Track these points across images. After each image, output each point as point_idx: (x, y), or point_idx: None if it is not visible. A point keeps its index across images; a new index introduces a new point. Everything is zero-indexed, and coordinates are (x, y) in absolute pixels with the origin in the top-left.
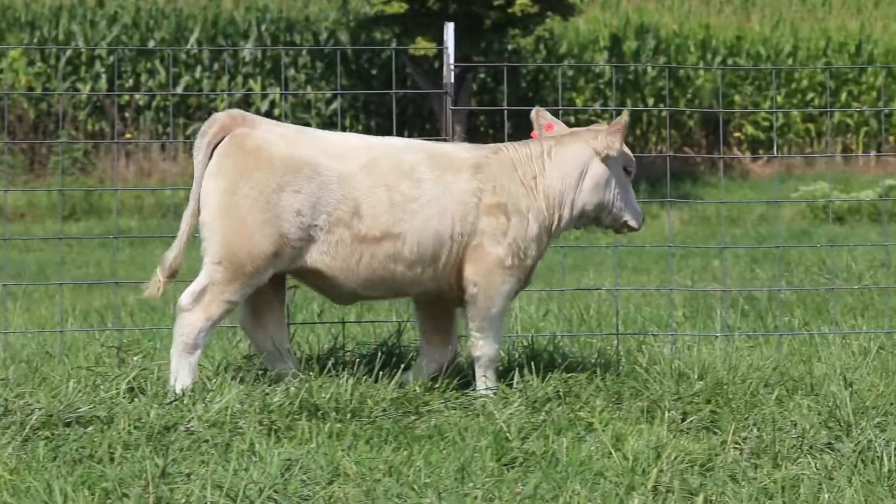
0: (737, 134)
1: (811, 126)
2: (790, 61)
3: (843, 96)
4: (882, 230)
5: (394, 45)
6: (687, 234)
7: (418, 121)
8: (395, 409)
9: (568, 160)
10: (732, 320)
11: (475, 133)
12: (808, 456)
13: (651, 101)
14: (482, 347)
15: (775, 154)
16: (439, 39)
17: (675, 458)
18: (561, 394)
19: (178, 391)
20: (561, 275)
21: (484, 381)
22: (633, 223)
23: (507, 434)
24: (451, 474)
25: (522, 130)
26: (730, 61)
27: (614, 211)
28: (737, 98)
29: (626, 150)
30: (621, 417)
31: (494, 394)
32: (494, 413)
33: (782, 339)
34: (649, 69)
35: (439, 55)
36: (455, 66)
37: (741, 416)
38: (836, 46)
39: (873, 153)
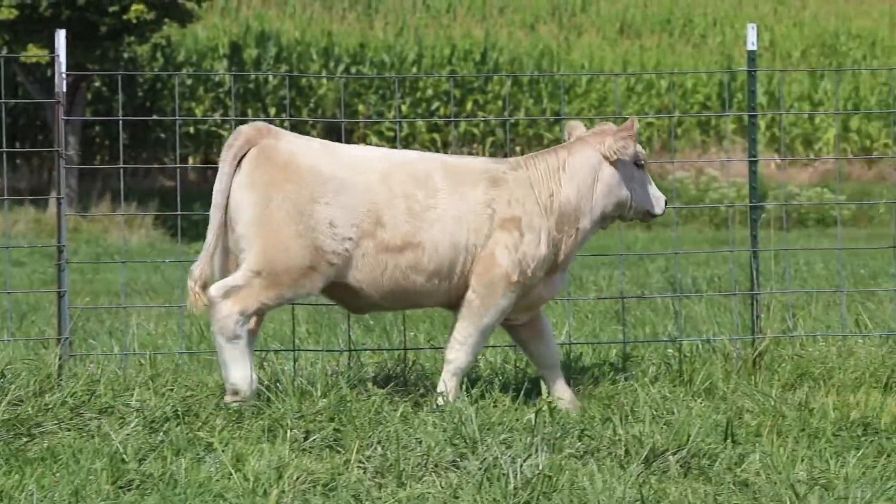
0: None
1: (437, 136)
2: (415, 69)
3: (469, 105)
4: None
5: (3, 52)
6: None
7: (31, 132)
8: (6, 431)
9: (580, 170)
10: (357, 335)
11: (89, 145)
12: (433, 474)
13: (273, 110)
14: (458, 353)
15: None
16: (52, 46)
17: (298, 479)
18: (180, 413)
19: (236, 382)
20: (179, 289)
21: (444, 385)
22: (655, 211)
23: (124, 455)
24: (66, 498)
25: (138, 140)
26: (353, 69)
27: (634, 205)
28: (361, 107)
29: (638, 147)
30: (242, 437)
31: (447, 402)
32: (110, 434)
33: (408, 354)
34: (270, 78)
35: (52, 63)
36: (67, 75)
37: (365, 434)
38: (461, 54)
39: None
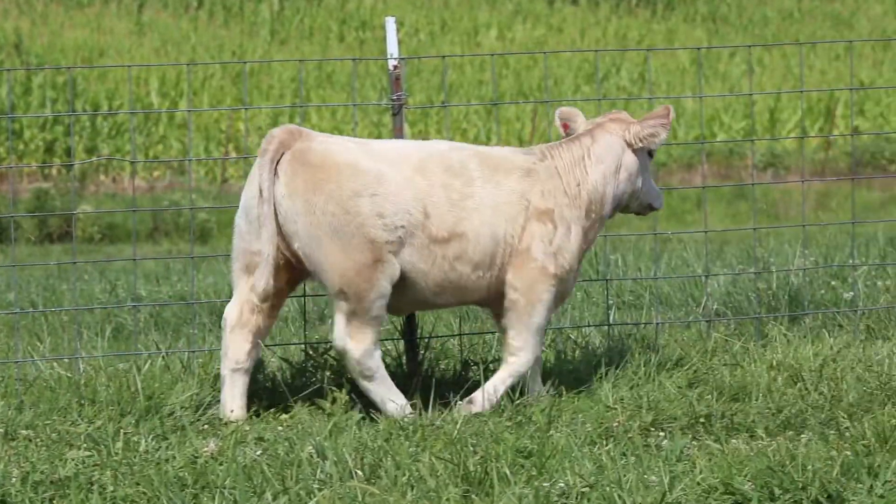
0: None
1: None
2: None
3: None
4: None
5: None
6: None
7: None
8: None
9: (605, 157)
10: None
11: None
12: None
13: None
14: (517, 357)
15: None
16: None
17: None
18: None
19: (396, 414)
20: None
21: (493, 385)
22: (656, 204)
23: None
24: None
25: None
26: None
27: (642, 196)
28: None
29: None
30: None
31: (493, 402)
32: None
33: None
34: None
35: None
36: None
37: None
38: None
39: None
